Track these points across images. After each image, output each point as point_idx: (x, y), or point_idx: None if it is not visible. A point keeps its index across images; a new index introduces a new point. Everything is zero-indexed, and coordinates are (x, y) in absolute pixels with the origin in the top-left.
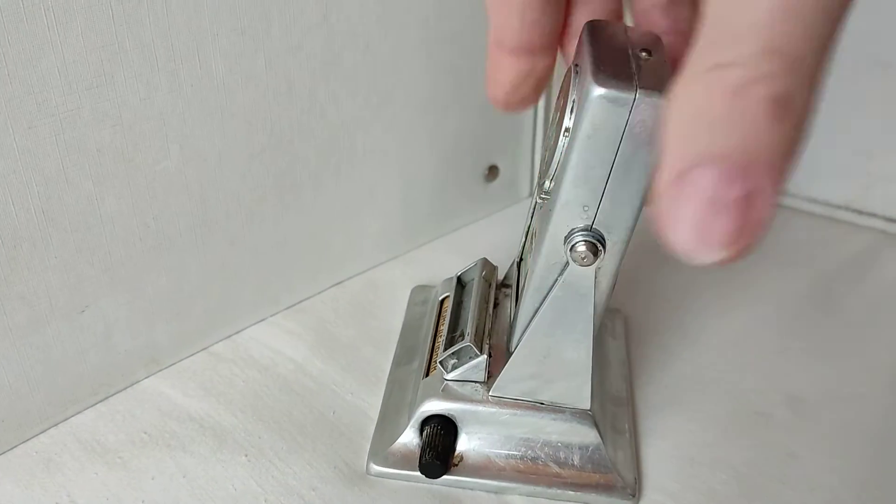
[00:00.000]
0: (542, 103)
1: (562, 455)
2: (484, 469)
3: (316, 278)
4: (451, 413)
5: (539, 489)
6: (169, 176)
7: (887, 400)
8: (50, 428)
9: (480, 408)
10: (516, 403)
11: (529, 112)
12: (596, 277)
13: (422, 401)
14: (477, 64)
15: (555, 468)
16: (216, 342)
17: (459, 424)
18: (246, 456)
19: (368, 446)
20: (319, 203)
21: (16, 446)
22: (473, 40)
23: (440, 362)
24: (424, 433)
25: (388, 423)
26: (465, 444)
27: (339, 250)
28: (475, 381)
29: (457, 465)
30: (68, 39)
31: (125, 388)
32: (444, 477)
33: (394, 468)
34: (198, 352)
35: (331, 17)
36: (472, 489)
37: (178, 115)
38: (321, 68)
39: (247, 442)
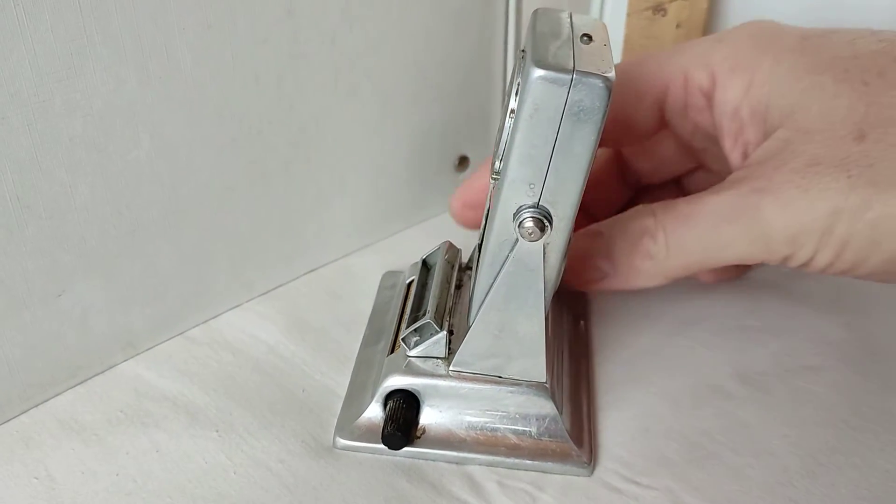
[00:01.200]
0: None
1: (519, 426)
2: (446, 441)
3: (289, 265)
4: (414, 388)
5: (498, 459)
6: (140, 165)
7: (837, 372)
8: (30, 409)
9: (441, 382)
10: (476, 378)
11: (498, 103)
12: (545, 253)
13: (385, 376)
14: (442, 56)
15: (513, 439)
16: (192, 327)
17: (422, 398)
18: (217, 432)
19: (336, 422)
20: (291, 192)
21: None
22: (437, 33)
23: (403, 339)
24: (388, 407)
25: (354, 400)
26: (428, 417)
27: (312, 238)
28: (436, 357)
29: (419, 437)
30: (38, 33)
31: (103, 372)
32: (407, 449)
33: (359, 441)
34: (174, 336)
35: (295, 11)
36: (434, 460)
37: (147, 107)
38: (287, 61)
39: (218, 419)
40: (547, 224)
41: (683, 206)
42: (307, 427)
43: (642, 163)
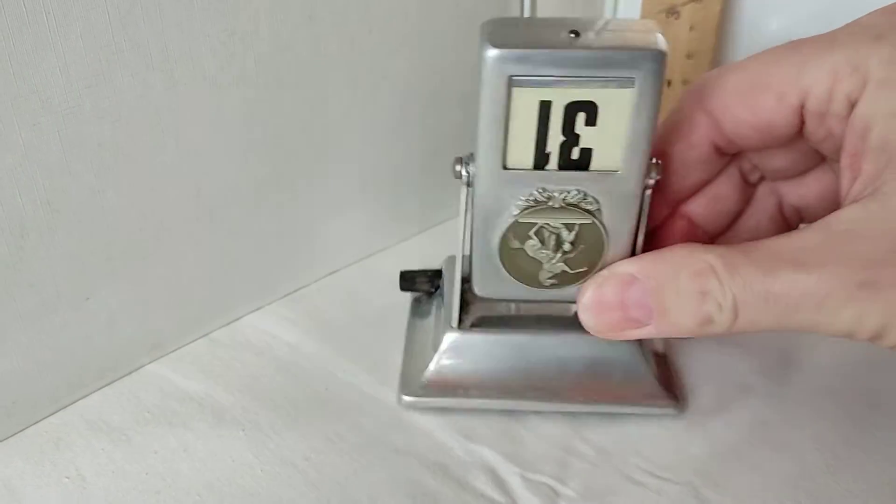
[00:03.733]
0: None
1: None
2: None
3: (310, 268)
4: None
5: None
6: (166, 170)
7: (855, 368)
8: (59, 410)
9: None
10: None
11: None
12: (469, 196)
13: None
14: (458, 58)
15: None
16: (215, 329)
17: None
18: (243, 431)
19: (360, 418)
20: (311, 196)
21: (27, 428)
22: (454, 35)
23: None
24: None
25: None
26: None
27: (332, 241)
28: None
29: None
30: (68, 41)
31: (129, 373)
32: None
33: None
34: (198, 338)
35: (316, 17)
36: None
37: (173, 112)
38: (308, 66)
39: (244, 418)
40: (465, 173)
41: (760, 278)
42: (331, 424)
43: (772, 161)
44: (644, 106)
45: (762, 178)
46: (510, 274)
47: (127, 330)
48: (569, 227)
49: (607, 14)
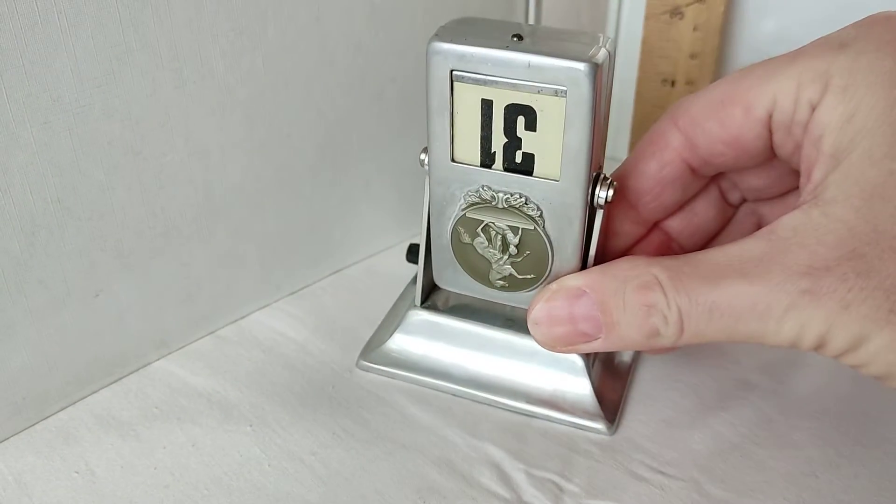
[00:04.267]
0: None
1: None
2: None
3: (316, 266)
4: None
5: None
6: (175, 168)
7: None
8: (68, 406)
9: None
10: None
11: None
12: (429, 185)
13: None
14: None
15: None
16: (222, 326)
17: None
18: (251, 426)
19: (366, 414)
20: (318, 195)
21: (36, 423)
22: None
23: None
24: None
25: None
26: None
27: (338, 240)
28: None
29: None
30: (79, 40)
31: (137, 370)
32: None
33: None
34: (206, 335)
35: (322, 18)
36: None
37: (181, 111)
38: (315, 66)
39: (251, 414)
40: (424, 160)
41: (705, 290)
42: (338, 420)
43: (751, 179)
44: (577, 117)
45: (744, 200)
46: (463, 268)
47: (135, 326)
48: (514, 230)
49: (611, 14)
